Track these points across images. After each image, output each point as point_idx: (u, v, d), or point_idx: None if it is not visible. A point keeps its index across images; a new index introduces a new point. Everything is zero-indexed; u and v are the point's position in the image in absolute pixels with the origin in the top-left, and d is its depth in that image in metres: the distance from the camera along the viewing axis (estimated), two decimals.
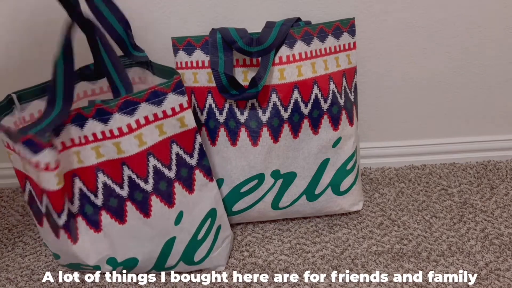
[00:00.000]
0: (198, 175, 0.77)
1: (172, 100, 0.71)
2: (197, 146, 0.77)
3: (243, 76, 0.82)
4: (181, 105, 0.73)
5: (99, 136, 0.68)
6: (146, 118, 0.69)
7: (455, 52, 0.97)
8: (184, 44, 0.84)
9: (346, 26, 0.84)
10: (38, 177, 0.66)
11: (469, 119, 1.06)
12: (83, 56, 0.83)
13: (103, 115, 0.67)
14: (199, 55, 0.83)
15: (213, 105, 0.83)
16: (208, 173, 0.78)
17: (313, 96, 0.81)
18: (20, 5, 0.88)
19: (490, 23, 0.94)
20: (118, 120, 0.67)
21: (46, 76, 0.90)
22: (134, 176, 0.70)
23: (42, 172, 0.65)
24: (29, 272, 0.84)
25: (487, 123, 1.07)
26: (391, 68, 0.98)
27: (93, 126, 0.67)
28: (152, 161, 0.71)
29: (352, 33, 0.86)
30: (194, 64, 0.83)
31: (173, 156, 0.73)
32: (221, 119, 0.83)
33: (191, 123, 0.75)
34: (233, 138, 0.83)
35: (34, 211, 0.73)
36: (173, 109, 0.72)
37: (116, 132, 0.68)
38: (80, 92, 0.82)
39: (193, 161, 0.76)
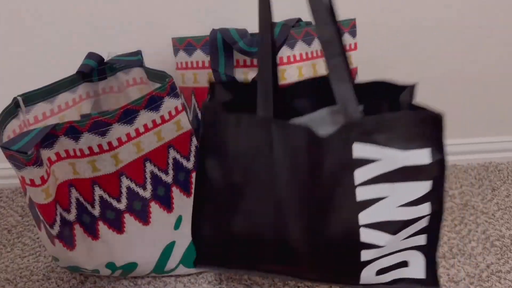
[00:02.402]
0: None
1: (169, 104, 0.71)
2: (193, 148, 0.76)
3: (243, 76, 0.82)
4: (176, 108, 0.72)
5: (96, 149, 0.65)
6: (145, 126, 0.68)
7: (456, 53, 0.97)
8: (184, 44, 0.83)
9: (347, 27, 0.84)
10: (27, 189, 0.65)
11: (470, 120, 1.06)
12: (81, 54, 0.83)
13: (100, 127, 0.64)
14: (199, 56, 0.82)
15: None
16: None
17: None
18: (22, 7, 0.88)
19: (490, 23, 0.94)
20: (118, 131, 0.65)
21: (50, 78, 0.90)
22: (132, 185, 0.69)
23: (29, 186, 0.64)
24: (28, 273, 0.84)
25: (488, 124, 1.07)
26: (391, 69, 0.98)
27: (89, 140, 0.64)
28: (149, 167, 0.70)
29: (353, 33, 0.85)
30: (195, 65, 0.83)
31: (170, 161, 0.73)
32: None
33: (186, 125, 0.75)
34: None
35: (34, 216, 0.72)
36: (169, 113, 0.71)
37: (115, 143, 0.65)
38: (83, 93, 0.81)
39: (189, 165, 0.76)
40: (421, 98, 1.02)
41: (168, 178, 0.73)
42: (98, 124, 0.64)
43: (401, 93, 0.58)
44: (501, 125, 1.07)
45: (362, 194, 0.51)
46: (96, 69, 0.81)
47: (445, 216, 0.93)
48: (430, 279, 0.56)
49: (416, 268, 0.56)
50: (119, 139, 0.66)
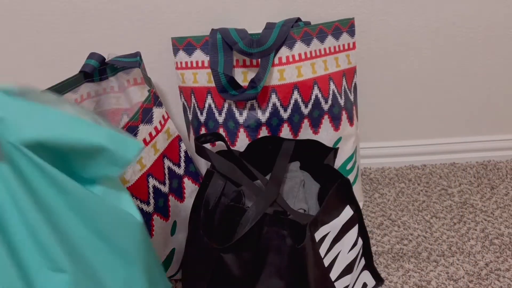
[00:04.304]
0: (187, 182, 0.77)
1: (158, 114, 0.71)
2: (182, 154, 0.77)
3: (242, 76, 0.82)
4: (163, 117, 0.73)
5: None
6: (144, 141, 0.69)
7: (455, 52, 0.97)
8: (184, 44, 0.84)
9: (346, 26, 0.84)
10: None
11: (469, 119, 1.06)
12: (81, 54, 0.83)
13: None
14: (199, 55, 0.83)
15: (213, 105, 0.83)
16: (196, 178, 0.78)
17: (313, 97, 0.81)
18: (23, 7, 0.88)
19: (490, 22, 0.94)
20: None
21: (50, 78, 0.90)
22: (137, 203, 0.68)
23: None
24: None
25: (487, 123, 1.07)
26: (391, 68, 0.98)
27: None
28: (152, 182, 0.70)
29: (352, 33, 0.85)
30: (194, 64, 0.83)
31: (166, 171, 0.73)
32: (220, 119, 0.83)
33: (174, 131, 0.75)
34: (232, 138, 0.83)
35: None
36: (160, 122, 0.72)
37: None
38: (84, 93, 0.81)
39: (181, 171, 0.76)
40: (420, 97, 1.02)
41: (166, 188, 0.73)
42: None
43: (327, 153, 0.75)
44: (500, 124, 1.07)
45: (327, 261, 0.65)
46: (97, 69, 0.82)
47: (444, 214, 0.93)
48: (377, 281, 0.77)
49: (370, 281, 0.76)
50: None
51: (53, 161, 0.39)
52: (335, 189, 0.66)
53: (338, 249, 0.68)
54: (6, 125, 0.35)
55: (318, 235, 0.63)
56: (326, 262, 0.65)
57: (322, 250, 0.64)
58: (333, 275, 0.67)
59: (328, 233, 0.65)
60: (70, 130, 0.38)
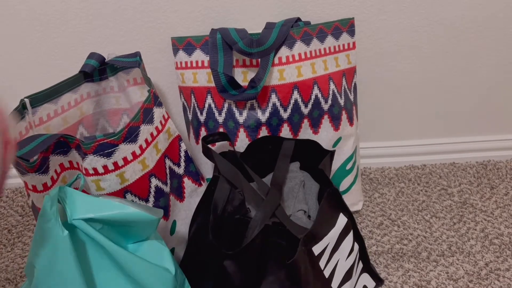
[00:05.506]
0: (187, 182, 0.77)
1: (158, 114, 0.71)
2: (182, 154, 0.77)
3: (242, 76, 0.82)
4: (164, 117, 0.73)
5: (100, 170, 0.64)
6: (146, 141, 0.68)
7: (455, 52, 0.97)
8: (184, 44, 0.84)
9: (346, 26, 0.84)
10: (30, 193, 0.65)
11: (469, 119, 1.06)
12: (81, 53, 0.83)
13: (106, 149, 0.63)
14: (199, 55, 0.82)
15: (213, 105, 0.83)
16: (196, 178, 0.78)
17: (313, 97, 0.81)
18: (22, 7, 0.88)
19: (490, 23, 0.94)
20: (124, 151, 0.65)
21: (50, 78, 0.90)
22: (135, 200, 0.68)
23: (31, 191, 0.64)
24: None
25: (487, 123, 1.07)
26: (391, 68, 0.98)
27: (94, 161, 0.63)
28: (154, 182, 0.70)
29: (352, 33, 0.85)
30: (194, 64, 0.83)
31: (167, 171, 0.73)
32: (220, 119, 0.83)
33: (174, 131, 0.75)
34: (232, 138, 0.83)
35: (36, 217, 0.73)
36: (161, 122, 0.72)
37: (120, 163, 0.65)
38: (84, 93, 0.81)
39: (181, 170, 0.76)
40: (420, 97, 1.02)
41: (167, 188, 0.73)
42: (104, 146, 0.63)
43: (324, 155, 0.76)
44: (500, 124, 1.07)
45: (327, 272, 0.66)
46: (97, 69, 0.82)
47: (444, 214, 0.93)
48: (377, 281, 0.78)
49: (369, 283, 0.77)
50: (124, 159, 0.65)
51: (106, 232, 0.55)
52: (326, 200, 0.67)
53: (336, 258, 0.68)
54: (71, 208, 0.54)
55: (317, 249, 0.63)
56: (327, 273, 0.65)
57: (322, 262, 0.64)
58: (334, 284, 0.67)
59: (327, 244, 0.65)
60: (112, 210, 0.54)
